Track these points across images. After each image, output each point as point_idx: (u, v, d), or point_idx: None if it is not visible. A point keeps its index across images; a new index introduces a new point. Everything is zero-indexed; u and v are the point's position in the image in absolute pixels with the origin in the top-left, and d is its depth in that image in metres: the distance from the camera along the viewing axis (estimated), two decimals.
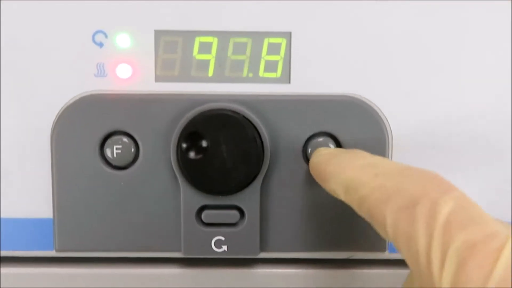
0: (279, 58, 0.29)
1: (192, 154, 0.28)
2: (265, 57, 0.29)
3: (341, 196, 0.25)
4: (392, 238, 0.21)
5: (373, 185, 0.22)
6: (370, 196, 0.22)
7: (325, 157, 0.27)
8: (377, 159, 0.25)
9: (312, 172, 0.27)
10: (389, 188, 0.22)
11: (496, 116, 0.30)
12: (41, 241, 0.30)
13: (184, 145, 0.28)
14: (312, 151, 0.29)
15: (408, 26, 0.29)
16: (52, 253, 0.30)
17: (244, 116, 0.28)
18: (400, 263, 0.24)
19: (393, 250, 0.31)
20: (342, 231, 0.30)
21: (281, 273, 0.31)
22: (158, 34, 0.29)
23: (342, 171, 0.25)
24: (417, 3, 0.28)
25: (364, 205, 0.23)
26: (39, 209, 0.30)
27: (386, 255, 0.31)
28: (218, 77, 0.29)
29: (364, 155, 0.26)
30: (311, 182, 0.29)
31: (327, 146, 0.29)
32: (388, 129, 0.29)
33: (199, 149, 0.28)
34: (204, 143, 0.28)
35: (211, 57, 0.29)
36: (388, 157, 0.30)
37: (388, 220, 0.21)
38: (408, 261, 0.21)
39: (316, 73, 0.29)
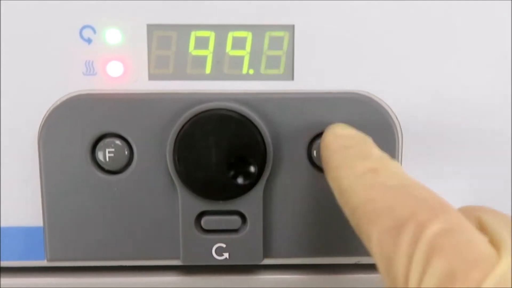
0: (281, 53, 0.27)
1: (190, 157, 0.27)
2: (266, 52, 0.27)
3: (335, 195, 0.24)
4: (374, 256, 0.21)
5: (366, 197, 0.22)
6: (361, 209, 0.21)
7: (335, 143, 0.25)
8: (382, 164, 0.23)
9: (320, 150, 0.26)
10: (380, 205, 0.21)
11: (504, 110, 0.28)
12: (32, 251, 0.29)
13: (181, 148, 0.27)
14: (317, 152, 0.28)
15: (417, 20, 0.27)
16: (43, 263, 0.29)
17: (244, 116, 0.27)
18: None
19: None
20: (349, 235, 0.28)
21: (286, 280, 0.30)
22: (151, 28, 0.27)
23: (342, 172, 0.23)
24: None
25: (354, 215, 0.22)
26: (29, 217, 0.28)
27: None
28: (216, 75, 0.27)
29: (372, 155, 0.24)
30: (316, 184, 0.28)
31: None
32: (398, 127, 0.28)
33: (197, 152, 0.27)
34: (202, 145, 0.27)
35: (208, 53, 0.27)
36: (397, 158, 0.28)
37: (373, 239, 0.20)
38: (386, 283, 0.20)
39: (321, 69, 0.27)
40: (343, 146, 0.25)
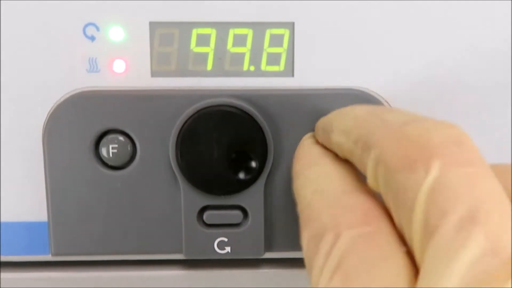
0: (282, 50, 0.28)
1: (192, 153, 0.27)
2: (267, 49, 0.28)
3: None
4: (304, 256, 0.21)
5: (306, 202, 0.22)
6: (301, 214, 0.22)
7: (300, 153, 0.26)
8: (330, 168, 0.23)
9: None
10: (312, 212, 0.21)
11: (504, 108, 0.29)
12: (36, 245, 0.29)
13: (183, 143, 0.27)
14: None
15: (418, 15, 0.27)
16: (48, 258, 0.29)
17: (245, 112, 0.27)
18: None
19: None
20: None
21: (287, 274, 0.30)
22: (153, 26, 0.27)
23: (297, 173, 0.24)
24: None
25: (300, 217, 0.22)
26: (33, 212, 0.29)
27: None
28: (218, 71, 0.28)
29: (318, 161, 0.24)
30: None
31: None
32: None
33: (199, 147, 0.27)
34: (204, 141, 0.27)
35: (209, 50, 0.28)
36: None
37: (304, 242, 0.21)
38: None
39: (321, 66, 0.28)
40: (305, 151, 0.25)
